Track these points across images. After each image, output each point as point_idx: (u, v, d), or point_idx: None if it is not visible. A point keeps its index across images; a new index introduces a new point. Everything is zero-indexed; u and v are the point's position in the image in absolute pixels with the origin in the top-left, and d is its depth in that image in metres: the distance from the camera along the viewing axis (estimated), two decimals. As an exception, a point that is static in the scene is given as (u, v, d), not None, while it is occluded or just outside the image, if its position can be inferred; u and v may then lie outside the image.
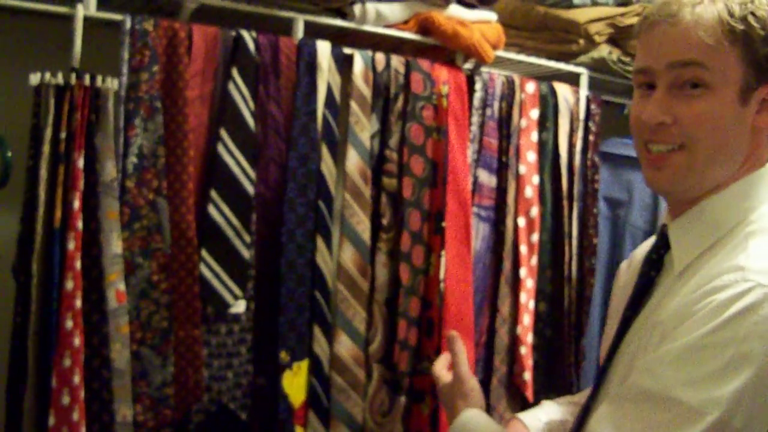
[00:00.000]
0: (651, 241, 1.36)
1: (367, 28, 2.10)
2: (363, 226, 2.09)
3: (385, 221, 2.14)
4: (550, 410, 1.40)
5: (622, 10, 2.48)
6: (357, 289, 2.09)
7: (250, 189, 1.93)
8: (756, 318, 0.98)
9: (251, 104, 1.93)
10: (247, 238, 1.94)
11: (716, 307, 1.01)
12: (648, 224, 2.59)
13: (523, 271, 2.35)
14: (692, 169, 1.12)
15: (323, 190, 2.04)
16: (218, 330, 1.91)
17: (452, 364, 1.35)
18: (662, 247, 1.20)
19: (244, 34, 1.93)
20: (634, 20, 2.47)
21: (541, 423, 1.37)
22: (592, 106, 2.50)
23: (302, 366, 2.01)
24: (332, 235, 2.07)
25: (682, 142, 1.12)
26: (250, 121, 1.93)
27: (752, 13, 1.10)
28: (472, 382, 1.32)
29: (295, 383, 1.98)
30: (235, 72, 1.91)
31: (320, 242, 2.03)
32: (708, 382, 0.99)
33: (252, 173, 1.93)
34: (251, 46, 1.93)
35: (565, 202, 2.43)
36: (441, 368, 1.40)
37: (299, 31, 2.02)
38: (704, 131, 1.11)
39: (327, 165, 2.04)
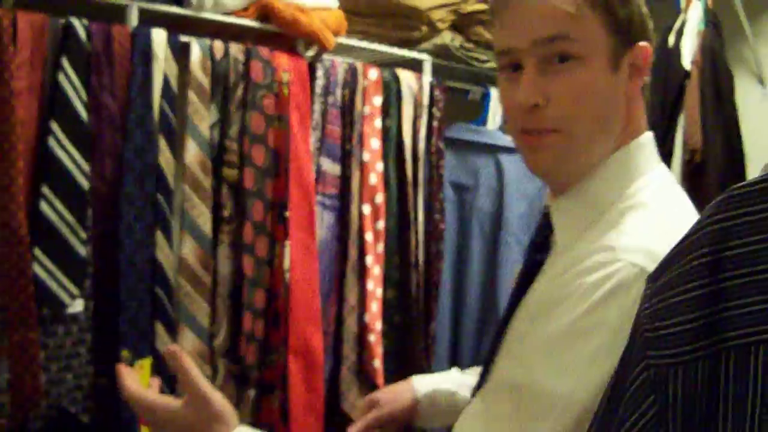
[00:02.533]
0: None
1: (205, 15, 2.21)
2: (204, 218, 2.20)
3: (226, 213, 2.26)
4: (449, 378, 1.51)
5: (463, -5, 2.68)
6: (199, 282, 2.21)
7: (85, 183, 2.01)
8: (625, 299, 1.00)
9: (83, 95, 2.01)
10: (83, 235, 2.01)
11: (586, 290, 1.02)
12: (494, 208, 2.81)
13: (369, 259, 2.52)
14: (573, 150, 1.13)
15: (162, 183, 2.13)
16: (55, 331, 1.99)
17: (185, 384, 1.15)
18: (546, 229, 1.21)
19: (75, 21, 1.99)
20: (476, 6, 2.68)
21: (428, 389, 1.49)
22: (436, 93, 2.70)
23: (145, 364, 2.10)
24: (172, 228, 2.17)
25: (559, 123, 1.12)
26: (83, 113, 2.00)
27: None
28: (220, 399, 1.15)
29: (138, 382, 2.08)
30: (65, 62, 1.98)
31: (160, 236, 2.13)
32: (578, 368, 1.00)
33: (86, 167, 2.01)
34: (82, 34, 2.01)
35: (410, 189, 2.62)
36: (140, 391, 1.22)
37: (133, 19, 2.11)
38: (581, 107, 1.11)
39: (165, 157, 2.14)
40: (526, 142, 1.15)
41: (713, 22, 2.92)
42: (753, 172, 3.16)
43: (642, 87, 1.19)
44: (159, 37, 2.12)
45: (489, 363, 1.21)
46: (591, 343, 1.00)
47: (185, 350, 2.16)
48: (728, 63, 2.97)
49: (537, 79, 1.11)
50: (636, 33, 1.15)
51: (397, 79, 2.60)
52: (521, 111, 1.13)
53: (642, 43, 1.16)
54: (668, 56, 2.85)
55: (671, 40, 2.87)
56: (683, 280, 0.80)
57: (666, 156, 2.89)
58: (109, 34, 2.05)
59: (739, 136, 2.98)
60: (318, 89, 2.43)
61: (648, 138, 1.20)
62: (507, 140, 2.79)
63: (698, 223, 0.83)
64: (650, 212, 1.11)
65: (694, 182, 2.81)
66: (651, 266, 0.96)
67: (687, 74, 2.83)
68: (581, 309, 1.01)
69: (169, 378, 2.15)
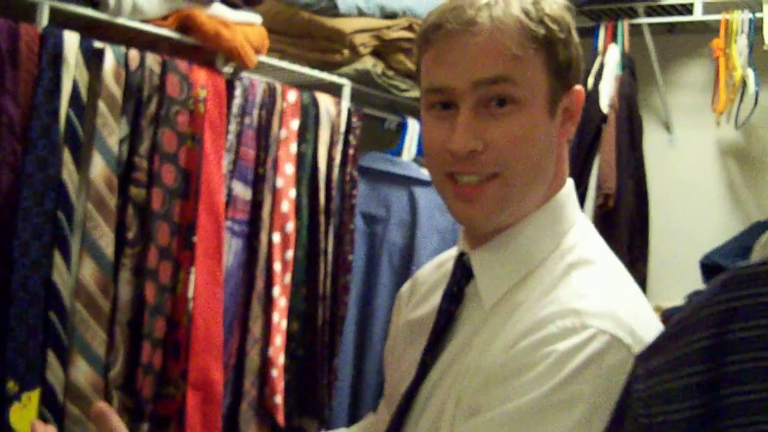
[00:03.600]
0: (434, 263, 1.36)
1: (122, 21, 2.07)
2: (107, 239, 2.06)
3: (131, 235, 2.12)
4: None
5: (388, 22, 2.63)
6: (97, 309, 2.06)
7: (-23, 196, 1.85)
8: (600, 370, 0.95)
9: (-18, 99, 1.84)
10: (-28, 252, 1.85)
11: (558, 361, 0.96)
12: (405, 241, 2.75)
13: (276, 290, 2.42)
14: (509, 199, 1.09)
15: (63, 199, 1.98)
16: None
17: None
18: (463, 278, 1.16)
19: (-23, 18, 1.84)
20: (400, 34, 2.64)
21: None
22: (354, 119, 2.63)
23: (33, 397, 1.94)
24: (71, 249, 2.02)
25: (496, 170, 1.07)
26: (-19, 118, 1.84)
27: (547, 13, 1.08)
28: None
29: (24, 416, 1.91)
30: (-36, 61, 1.82)
31: (58, 257, 1.97)
32: None
33: (-20, 178, 1.85)
34: (-15, 32, 1.85)
35: (322, 218, 2.53)
36: None
37: (43, 19, 1.95)
38: (519, 154, 1.07)
39: (69, 171, 1.99)
40: (456, 192, 1.10)
41: (629, 66, 2.97)
42: (656, 218, 3.22)
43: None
44: (71, 40, 1.97)
45: (402, 418, 1.15)
46: (568, 418, 0.94)
47: (77, 381, 2.03)
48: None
49: (475, 123, 1.06)
50: (573, 76, 1.12)
51: (315, 103, 2.52)
52: (455, 157, 1.07)
53: (577, 87, 1.13)
54: (586, 99, 2.87)
55: (590, 82, 2.89)
56: (682, 363, 0.76)
57: (580, 199, 2.91)
58: (15, 32, 1.89)
59: (645, 182, 3.04)
60: (235, 108, 2.32)
61: (571, 186, 1.18)
62: (421, 172, 2.75)
63: (699, 303, 0.79)
64: (599, 270, 1.09)
65: (605, 227, 2.83)
66: (619, 333, 0.97)
67: (604, 118, 2.86)
68: (554, 381, 0.96)
69: (59, 412, 2.01)
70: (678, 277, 3.11)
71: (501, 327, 1.07)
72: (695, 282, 2.95)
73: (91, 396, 2.04)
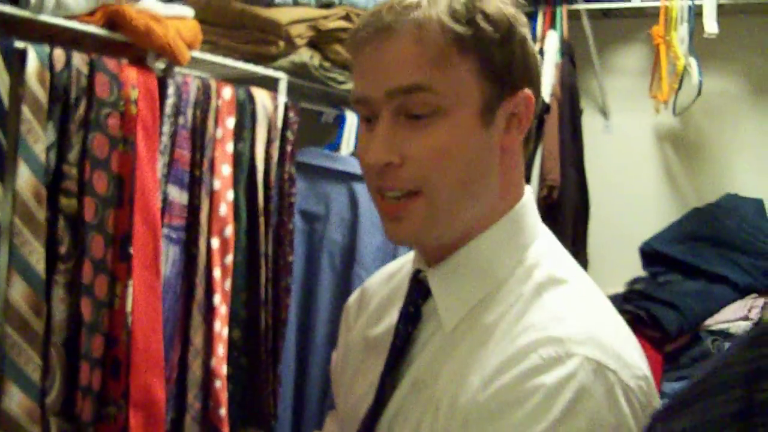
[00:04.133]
0: (384, 274, 1.31)
1: (45, 18, 1.91)
2: (37, 256, 1.90)
3: (63, 249, 1.96)
4: None
5: (324, 12, 2.51)
6: (30, 331, 1.90)
7: None
8: (592, 401, 0.91)
9: None
10: None
11: (547, 396, 0.91)
12: (346, 239, 2.66)
13: (216, 298, 2.30)
14: (435, 217, 1.02)
15: (-12, 215, 1.83)
16: None
17: None
18: (420, 297, 1.10)
19: None
20: (337, 24, 2.52)
21: None
22: (291, 114, 2.51)
23: (-38, 432, 1.79)
24: (-1, 269, 1.86)
25: (416, 185, 1.01)
26: None
27: (481, 11, 1.00)
28: None
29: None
30: None
31: (-15, 278, 1.82)
32: None
33: None
34: None
35: (261, 219, 2.42)
36: None
37: (-43, 18, 1.78)
38: (442, 168, 1.00)
39: (-7, 184, 1.83)
40: (384, 209, 1.05)
41: (569, 53, 2.91)
42: (593, 205, 3.19)
43: (525, 138, 1.08)
44: (-11, 41, 1.81)
45: None
46: None
47: (11, 410, 1.88)
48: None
49: (391, 135, 1.00)
50: (517, 79, 1.03)
51: (251, 99, 2.39)
52: (372, 170, 1.02)
53: (525, 91, 1.04)
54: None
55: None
56: (710, 428, 0.71)
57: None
58: (-73, 35, 1.73)
59: (585, 171, 3.00)
60: (168, 108, 2.17)
61: (530, 196, 1.12)
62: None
63: (724, 360, 0.74)
64: (572, 290, 1.03)
65: (549, 219, 2.79)
66: (605, 359, 0.93)
67: (546, 107, 2.80)
68: (549, 420, 0.90)
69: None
70: (616, 263, 3.10)
71: (472, 354, 1.01)
72: (635, 269, 2.95)
73: (26, 425, 1.89)
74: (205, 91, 2.27)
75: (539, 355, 0.94)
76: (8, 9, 1.85)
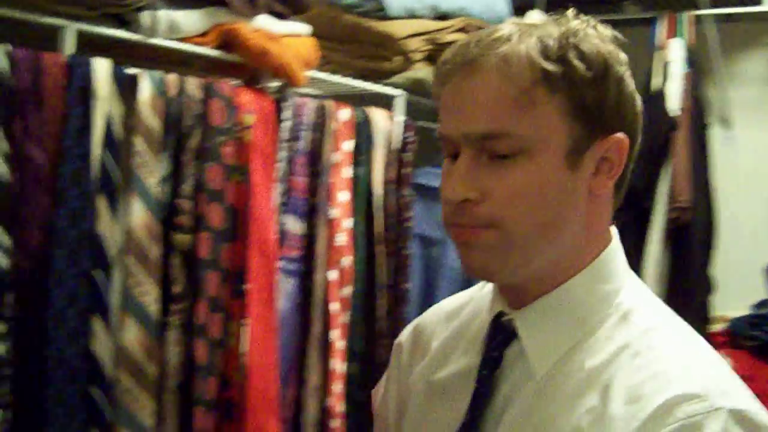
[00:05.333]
0: (441, 313, 1.22)
1: (157, 41, 1.73)
2: (150, 297, 1.74)
3: (177, 289, 1.79)
4: None
5: (441, 24, 2.30)
6: (143, 376, 1.74)
7: (3, 261, 1.52)
8: None
9: (3, 145, 1.51)
10: (2, 328, 1.52)
11: None
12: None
13: (334, 333, 2.11)
14: (508, 251, 0.96)
15: (100, 256, 1.66)
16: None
17: None
18: (504, 342, 1.03)
19: (-7, 47, 1.49)
20: (454, 36, 2.32)
21: None
22: (408, 134, 2.29)
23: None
24: (111, 312, 1.69)
25: (492, 222, 0.94)
26: (2, 168, 1.51)
27: (575, 47, 0.92)
28: None
29: None
30: (-21, 102, 1.48)
31: (98, 323, 1.66)
32: None
33: (6, 239, 1.52)
34: (3, 63, 1.50)
35: (380, 247, 2.21)
36: None
37: (69, 45, 1.61)
38: (519, 209, 0.94)
39: (105, 222, 1.66)
40: (458, 237, 0.99)
41: (696, 63, 2.64)
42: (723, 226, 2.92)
43: (617, 182, 1.01)
44: (101, 68, 1.64)
45: None
46: None
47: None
48: (704, 108, 2.72)
49: (472, 171, 0.94)
50: (610, 121, 0.95)
51: (369, 120, 2.18)
52: (450, 205, 0.97)
53: (618, 135, 0.96)
54: (651, 102, 2.55)
55: (655, 83, 2.56)
56: None
57: (645, 214, 2.62)
58: (38, 64, 1.56)
59: (713, 189, 2.74)
60: (285, 133, 1.98)
61: (617, 243, 1.05)
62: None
63: None
64: (679, 334, 0.99)
65: (677, 243, 2.53)
66: (743, 405, 0.90)
67: (672, 123, 2.53)
68: None
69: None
70: (741, 284, 2.83)
71: (576, 401, 0.95)
72: (760, 290, 2.69)
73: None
74: (321, 113, 2.07)
75: (684, 412, 0.88)
76: (120, 33, 1.68)
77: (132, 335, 1.72)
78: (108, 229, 1.66)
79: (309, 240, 2.09)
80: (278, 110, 1.99)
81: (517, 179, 0.93)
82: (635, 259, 2.64)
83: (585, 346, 0.98)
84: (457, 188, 0.94)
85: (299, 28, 2.00)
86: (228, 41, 1.86)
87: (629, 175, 1.02)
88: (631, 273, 1.06)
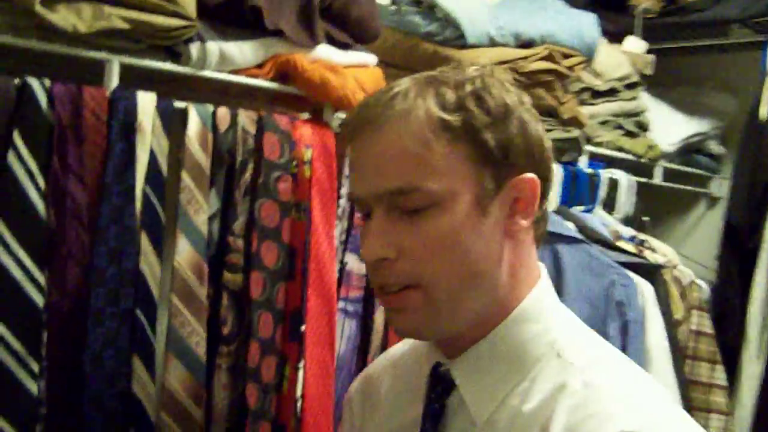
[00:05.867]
0: (387, 362, 1.23)
1: (207, 74, 1.66)
2: (197, 337, 1.66)
3: (226, 330, 1.71)
4: None
5: (524, 52, 2.16)
6: (189, 420, 1.66)
7: (39, 299, 1.47)
8: None
9: (40, 181, 1.46)
10: (35, 367, 1.47)
11: None
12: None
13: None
14: (436, 309, 0.96)
15: (143, 295, 1.59)
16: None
17: None
18: (444, 392, 1.03)
19: (32, 82, 1.45)
20: (537, 65, 2.17)
21: None
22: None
23: None
24: (155, 353, 1.62)
25: (413, 280, 0.95)
26: (39, 205, 1.46)
27: (473, 94, 0.93)
28: None
29: None
30: (17, 136, 1.43)
31: (138, 365, 1.59)
32: None
33: (41, 277, 1.47)
34: (42, 99, 1.46)
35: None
36: None
37: (113, 78, 1.55)
38: (437, 262, 0.94)
39: (148, 260, 1.59)
40: (385, 303, 1.01)
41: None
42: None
43: (535, 221, 1.01)
44: (146, 101, 1.58)
45: None
46: None
47: None
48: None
49: (386, 229, 0.95)
50: (517, 162, 0.95)
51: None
52: (370, 266, 0.99)
53: (527, 175, 0.96)
54: (759, 131, 2.33)
55: (763, 112, 2.34)
56: None
57: (750, 256, 2.39)
58: (79, 98, 1.51)
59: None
60: (346, 168, 1.88)
61: (545, 276, 1.05)
62: (564, 226, 2.27)
63: None
64: (615, 369, 0.98)
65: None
66: None
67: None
68: None
69: None
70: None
71: None
72: None
73: None
74: (386, 147, 1.96)
75: None
76: (167, 66, 1.61)
77: (177, 377, 1.65)
78: (151, 267, 1.60)
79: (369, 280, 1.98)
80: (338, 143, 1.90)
81: (431, 232, 0.93)
82: (740, 303, 2.42)
83: (522, 389, 0.97)
84: (372, 247, 0.95)
85: (364, 57, 1.89)
86: (285, 73, 1.78)
87: (544, 212, 1.03)
88: (563, 308, 1.06)
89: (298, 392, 1.82)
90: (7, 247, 1.43)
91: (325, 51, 1.81)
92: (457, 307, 0.97)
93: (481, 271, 0.96)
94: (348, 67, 1.84)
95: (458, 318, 0.98)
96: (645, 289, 2.22)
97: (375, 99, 0.97)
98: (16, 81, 1.45)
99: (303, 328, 1.80)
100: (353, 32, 1.86)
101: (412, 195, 0.93)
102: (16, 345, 1.45)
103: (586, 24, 2.34)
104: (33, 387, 1.47)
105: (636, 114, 2.65)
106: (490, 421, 0.98)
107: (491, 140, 0.93)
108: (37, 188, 1.46)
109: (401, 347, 1.24)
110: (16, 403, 1.46)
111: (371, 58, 1.92)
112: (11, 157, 1.43)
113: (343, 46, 1.85)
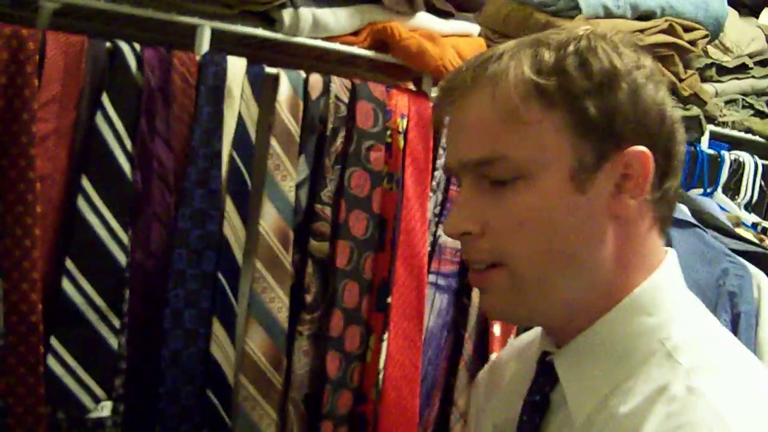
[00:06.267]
0: (515, 348, 1.16)
1: (301, 40, 1.64)
2: (279, 303, 1.66)
3: (309, 297, 1.70)
4: None
5: (642, 25, 2.03)
6: (267, 384, 1.67)
7: (122, 258, 1.50)
8: None
9: (127, 143, 1.49)
10: (116, 322, 1.51)
11: None
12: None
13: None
14: (522, 291, 0.88)
15: (225, 258, 1.60)
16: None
17: None
18: (547, 383, 0.94)
19: (122, 45, 1.47)
20: (656, 38, 2.03)
21: None
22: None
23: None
24: (236, 316, 1.63)
25: (497, 258, 0.87)
26: (126, 166, 1.49)
27: (576, 55, 0.83)
28: None
29: None
30: (106, 99, 1.46)
31: (218, 327, 1.60)
32: None
33: (125, 236, 1.50)
34: (132, 62, 1.48)
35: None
36: None
37: (204, 43, 1.56)
38: (523, 241, 0.86)
39: (232, 224, 1.60)
40: (472, 281, 0.94)
41: None
42: None
43: (653, 201, 0.88)
44: (236, 66, 1.58)
45: None
46: None
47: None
48: None
49: (472, 202, 0.88)
50: (624, 132, 0.85)
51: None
52: (458, 240, 0.92)
53: (637, 148, 0.85)
54: None
55: None
56: None
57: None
58: (168, 62, 1.52)
59: None
60: (443, 139, 1.83)
61: (669, 269, 0.91)
62: (680, 209, 2.13)
63: None
64: (728, 380, 0.83)
65: None
66: None
67: None
68: None
69: None
70: None
71: None
72: None
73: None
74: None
75: None
76: (258, 31, 1.60)
77: (257, 342, 1.66)
78: (234, 231, 1.60)
79: (466, 254, 1.92)
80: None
81: (515, 207, 0.86)
82: None
83: (623, 389, 0.87)
84: (454, 221, 0.89)
85: (467, 27, 1.83)
86: (383, 41, 1.74)
87: (667, 191, 0.90)
88: (690, 301, 0.94)
89: (381, 363, 1.80)
90: (93, 206, 1.46)
91: (424, 19, 1.76)
92: (546, 290, 0.88)
93: (574, 253, 0.87)
94: (448, 36, 1.78)
95: (549, 302, 0.90)
96: (762, 280, 2.08)
97: (469, 63, 0.90)
98: (108, 45, 1.47)
99: (389, 299, 1.78)
100: (456, 0, 1.80)
101: (499, 164, 0.86)
102: (99, 301, 1.49)
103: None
104: (114, 342, 1.51)
105: (768, 93, 2.48)
106: (588, 421, 0.89)
107: (592, 108, 0.84)
108: (124, 150, 1.48)
109: (532, 333, 1.15)
110: (97, 357, 1.50)
111: (474, 28, 1.85)
112: (99, 119, 1.46)
113: (445, 14, 1.79)
